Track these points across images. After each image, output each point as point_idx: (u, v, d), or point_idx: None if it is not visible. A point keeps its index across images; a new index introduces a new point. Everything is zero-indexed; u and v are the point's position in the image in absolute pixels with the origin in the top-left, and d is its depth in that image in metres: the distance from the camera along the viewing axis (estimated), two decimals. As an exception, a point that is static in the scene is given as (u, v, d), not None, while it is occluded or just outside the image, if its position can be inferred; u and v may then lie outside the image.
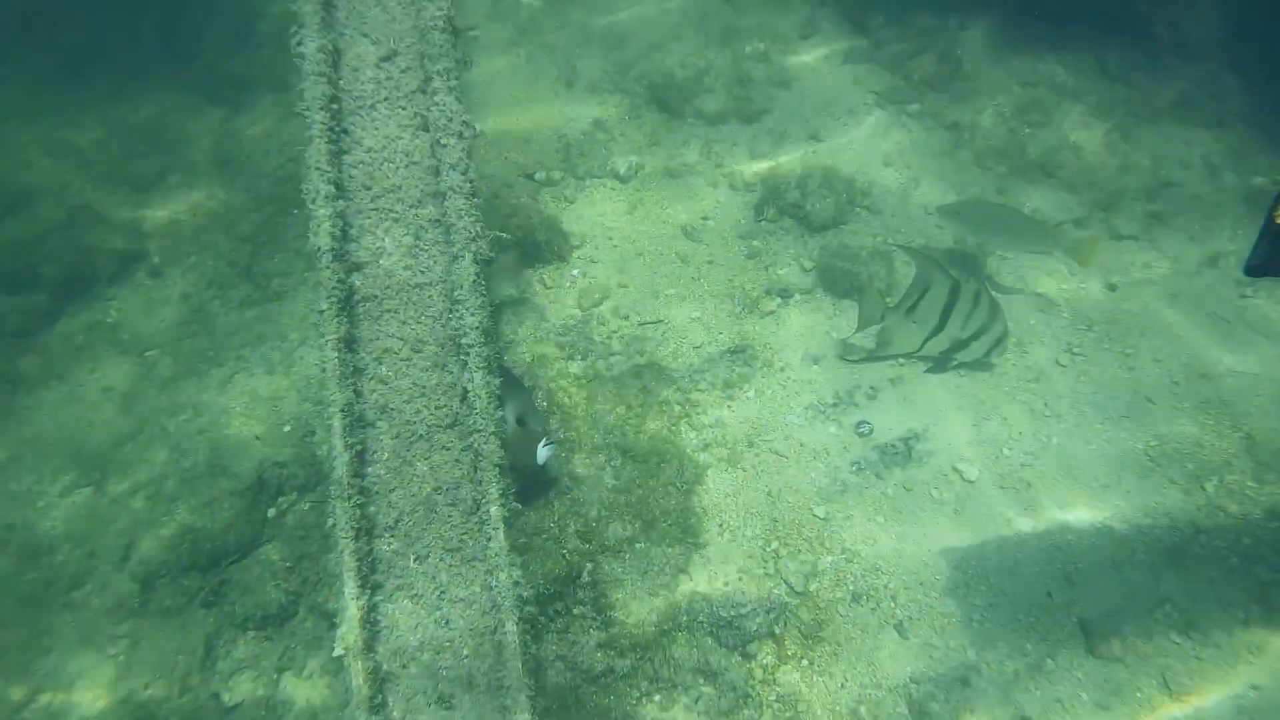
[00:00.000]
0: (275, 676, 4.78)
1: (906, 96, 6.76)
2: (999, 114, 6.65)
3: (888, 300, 5.12)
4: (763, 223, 6.00)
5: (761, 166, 6.33)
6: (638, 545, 4.51)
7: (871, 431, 5.03)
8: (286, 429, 5.50)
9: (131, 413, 6.00)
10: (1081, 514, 4.77)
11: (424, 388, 4.01)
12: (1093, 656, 4.33)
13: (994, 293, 4.91)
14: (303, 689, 4.75)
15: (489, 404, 3.81)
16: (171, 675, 4.86)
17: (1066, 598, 4.50)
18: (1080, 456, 4.98)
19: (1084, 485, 4.87)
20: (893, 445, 4.97)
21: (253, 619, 4.91)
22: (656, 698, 4.26)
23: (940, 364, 5.26)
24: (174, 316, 6.40)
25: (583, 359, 5.16)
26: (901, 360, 5.32)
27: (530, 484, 4.53)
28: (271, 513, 5.26)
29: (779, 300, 5.58)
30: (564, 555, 4.40)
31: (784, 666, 4.34)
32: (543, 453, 4.29)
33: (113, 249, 6.46)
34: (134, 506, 5.52)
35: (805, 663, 4.34)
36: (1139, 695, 4.23)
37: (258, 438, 5.44)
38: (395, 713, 3.54)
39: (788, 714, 4.23)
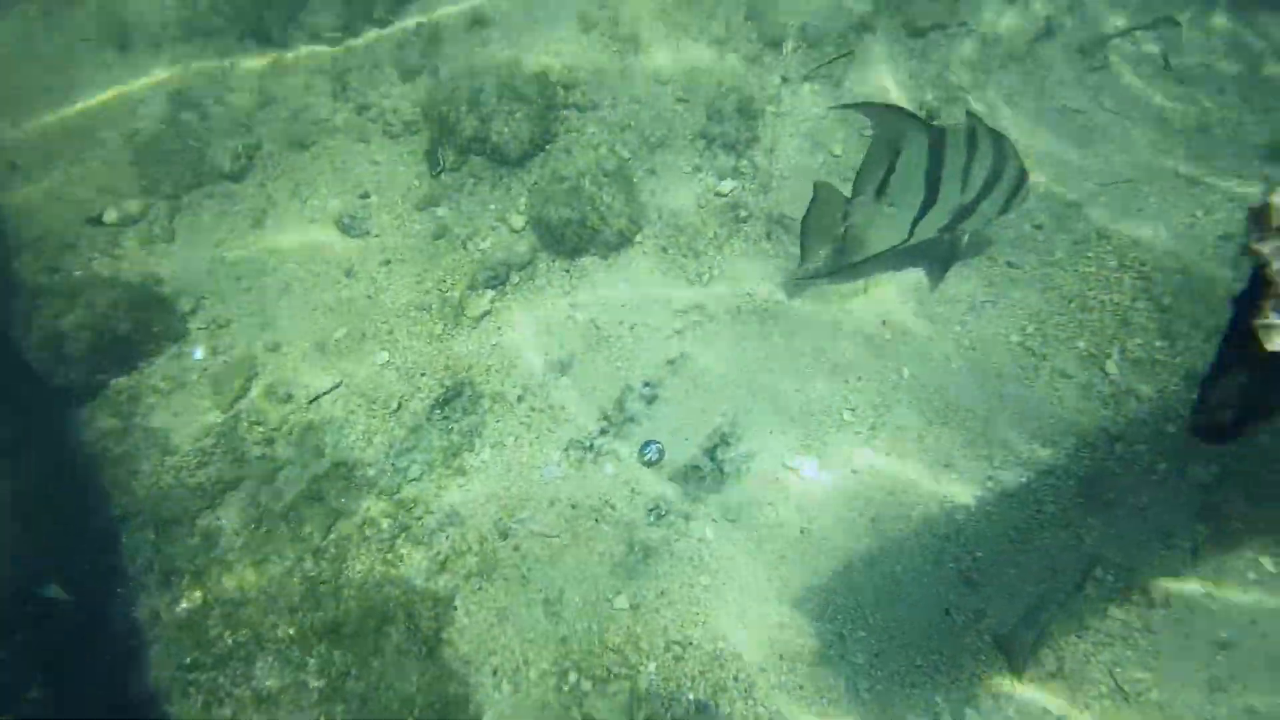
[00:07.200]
0: None
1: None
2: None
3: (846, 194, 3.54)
4: (443, 175, 4.20)
5: (418, 87, 4.41)
6: (377, 774, 3.11)
7: (662, 455, 3.57)
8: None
9: None
10: (963, 471, 3.47)
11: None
12: (1020, 682, 3.18)
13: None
14: None
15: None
16: None
17: (971, 607, 3.28)
18: (941, 380, 3.62)
19: (957, 425, 3.54)
20: (695, 464, 3.53)
21: None
22: None
23: (948, 253, 3.75)
24: None
25: (242, 503, 3.52)
26: (692, 324, 3.77)
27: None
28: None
29: (491, 293, 3.91)
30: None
31: None
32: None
33: None
34: None
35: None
36: (1088, 715, 3.12)
37: None
38: None
39: None
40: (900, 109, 3.63)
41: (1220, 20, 4.26)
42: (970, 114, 3.39)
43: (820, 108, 4.24)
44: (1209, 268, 3.71)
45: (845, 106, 4.12)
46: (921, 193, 3.39)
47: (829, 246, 3.71)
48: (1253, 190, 3.88)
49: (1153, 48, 4.29)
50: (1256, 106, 4.02)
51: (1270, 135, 3.92)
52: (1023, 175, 3.52)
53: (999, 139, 3.41)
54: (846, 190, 3.52)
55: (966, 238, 3.72)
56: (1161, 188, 3.97)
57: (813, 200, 3.51)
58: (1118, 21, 4.32)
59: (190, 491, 3.49)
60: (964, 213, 3.50)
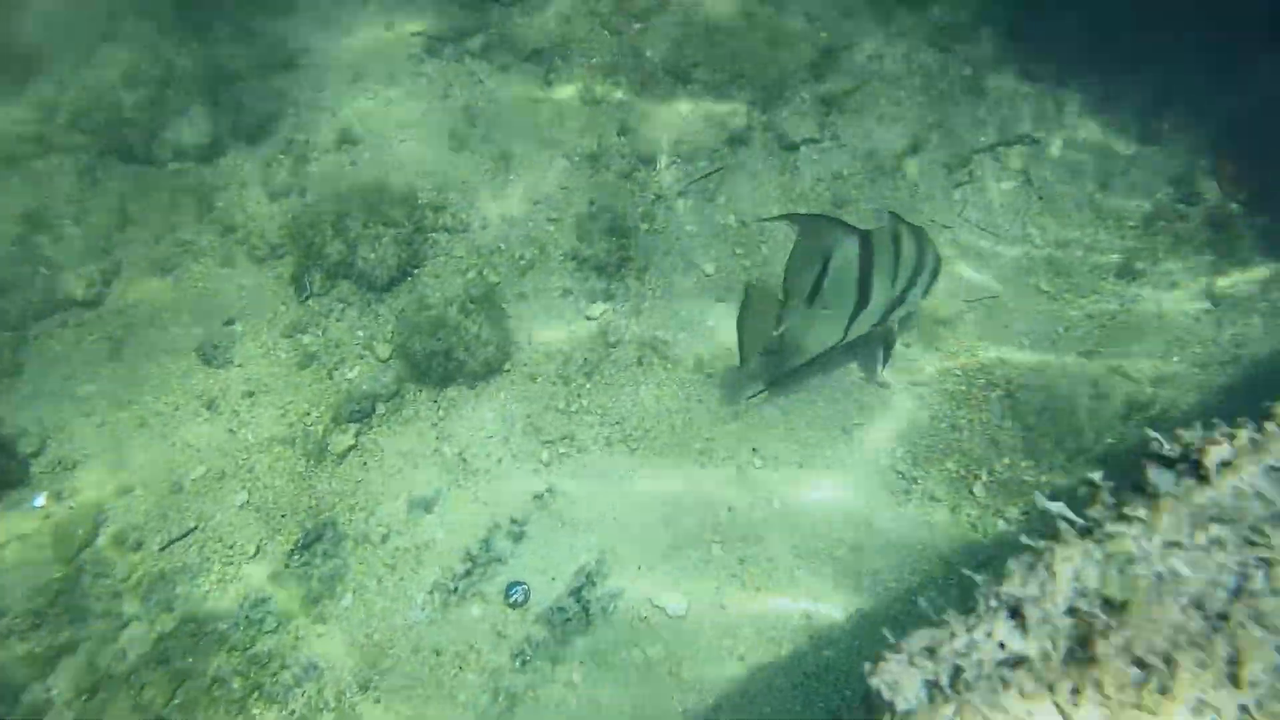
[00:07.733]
0: None
1: (466, 24, 4.76)
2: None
3: (779, 296, 3.52)
4: (310, 300, 4.10)
5: (286, 208, 4.32)
6: None
7: (528, 596, 3.47)
8: None
9: None
10: (832, 605, 3.44)
11: None
12: (892, 829, 3.11)
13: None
14: None
15: None
16: None
17: (841, 750, 3.22)
18: (811, 510, 3.60)
19: (827, 557, 3.51)
20: (561, 605, 3.44)
21: None
22: None
23: (885, 344, 3.81)
24: None
25: (78, 669, 3.31)
26: (560, 455, 3.71)
27: None
28: None
29: (356, 427, 3.80)
30: None
31: None
32: None
33: None
34: None
35: None
36: None
37: None
38: None
39: None
40: (828, 216, 3.79)
41: (1078, 139, 4.40)
42: (892, 213, 3.47)
43: (694, 225, 4.25)
44: (1069, 386, 3.78)
45: (771, 219, 4.13)
46: (855, 294, 3.45)
47: (764, 347, 3.67)
48: (1110, 306, 3.99)
49: (1016, 164, 4.40)
50: (1110, 227, 4.15)
51: (1121, 258, 4.04)
52: (938, 260, 3.65)
53: (917, 231, 3.53)
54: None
55: (897, 325, 3.77)
56: (1025, 304, 4.05)
57: (745, 302, 3.51)
58: (982, 137, 4.43)
59: (18, 661, 3.28)
60: (894, 304, 3.58)
